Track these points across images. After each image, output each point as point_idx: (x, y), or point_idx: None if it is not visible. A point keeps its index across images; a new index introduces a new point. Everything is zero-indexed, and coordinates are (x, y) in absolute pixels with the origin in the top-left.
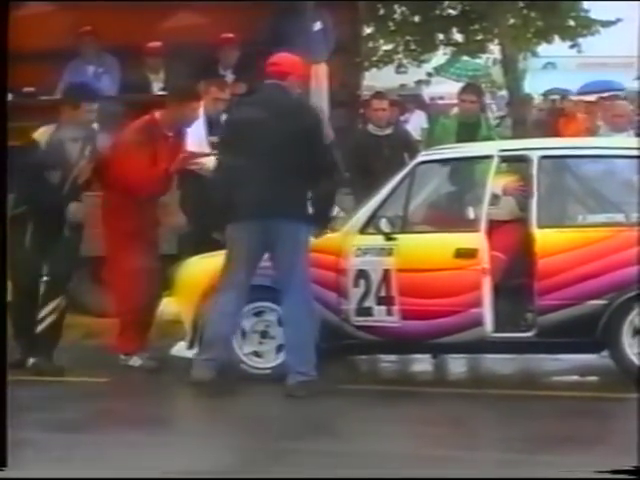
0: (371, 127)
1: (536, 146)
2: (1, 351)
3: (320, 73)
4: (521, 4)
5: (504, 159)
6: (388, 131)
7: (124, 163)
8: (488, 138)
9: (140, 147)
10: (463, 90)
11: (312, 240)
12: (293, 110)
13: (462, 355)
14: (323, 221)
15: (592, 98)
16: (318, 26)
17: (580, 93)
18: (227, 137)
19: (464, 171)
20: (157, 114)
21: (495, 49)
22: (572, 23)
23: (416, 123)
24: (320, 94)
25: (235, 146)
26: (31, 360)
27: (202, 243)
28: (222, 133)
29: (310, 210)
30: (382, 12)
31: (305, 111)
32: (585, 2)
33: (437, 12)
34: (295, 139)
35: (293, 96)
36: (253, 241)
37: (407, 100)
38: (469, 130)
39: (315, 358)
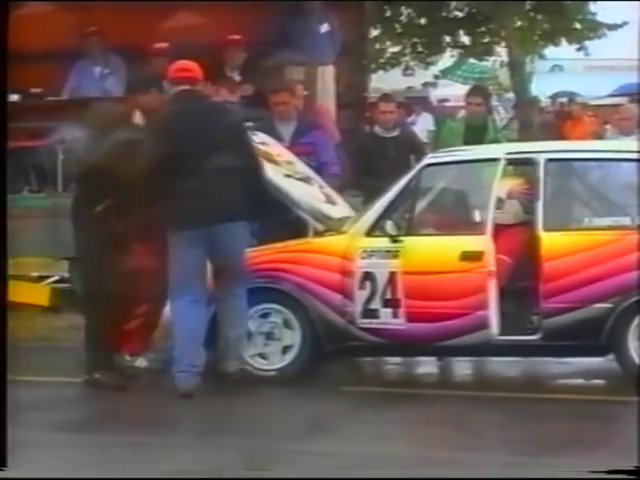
0: (378, 129)
1: (542, 149)
2: (1, 351)
3: (327, 75)
4: (528, 6)
5: (510, 162)
6: (395, 133)
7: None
8: (495, 141)
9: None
10: (470, 93)
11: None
12: (216, 114)
13: (467, 358)
14: (262, 215)
15: (603, 102)
16: (325, 28)
17: (612, 95)
18: (156, 146)
19: (471, 174)
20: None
21: (502, 52)
22: (579, 26)
23: (422, 125)
24: (327, 96)
25: (165, 155)
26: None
27: None
28: (150, 144)
29: (247, 207)
30: (389, 14)
31: (226, 113)
32: (592, 5)
33: (444, 14)
34: (221, 142)
35: (211, 100)
36: (196, 248)
37: (414, 102)
38: (476, 133)
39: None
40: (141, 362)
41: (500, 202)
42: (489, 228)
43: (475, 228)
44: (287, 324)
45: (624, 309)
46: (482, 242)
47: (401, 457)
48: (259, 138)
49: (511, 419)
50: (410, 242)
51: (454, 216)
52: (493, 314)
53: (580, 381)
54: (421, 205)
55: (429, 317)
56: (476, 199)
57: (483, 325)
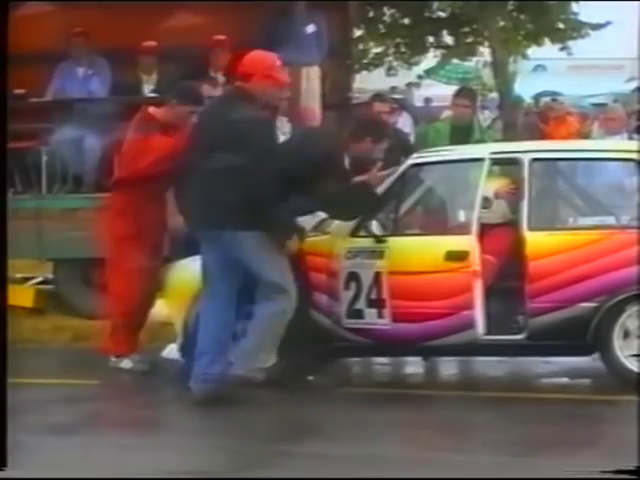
0: None
1: (527, 149)
2: (1, 352)
3: (312, 76)
4: (511, 7)
5: (495, 162)
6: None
7: (133, 154)
8: (481, 141)
9: (144, 135)
10: (457, 94)
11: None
12: (243, 120)
13: (453, 358)
14: (286, 229)
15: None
16: (311, 29)
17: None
18: (190, 142)
19: (456, 174)
20: (151, 110)
21: (485, 52)
22: (562, 26)
23: (403, 126)
24: (312, 97)
25: (193, 153)
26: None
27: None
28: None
29: (267, 218)
30: (372, 14)
31: (254, 122)
32: (575, 5)
33: (427, 15)
34: (243, 148)
35: (248, 104)
36: (214, 250)
37: (399, 103)
38: (462, 134)
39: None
40: (126, 363)
41: (487, 202)
42: (474, 228)
43: (460, 228)
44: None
45: (609, 308)
46: (467, 242)
47: (388, 458)
48: None
49: (497, 419)
50: (395, 242)
51: (439, 216)
52: (479, 314)
53: (565, 380)
54: (406, 205)
55: (414, 317)
56: (461, 199)
57: (469, 325)
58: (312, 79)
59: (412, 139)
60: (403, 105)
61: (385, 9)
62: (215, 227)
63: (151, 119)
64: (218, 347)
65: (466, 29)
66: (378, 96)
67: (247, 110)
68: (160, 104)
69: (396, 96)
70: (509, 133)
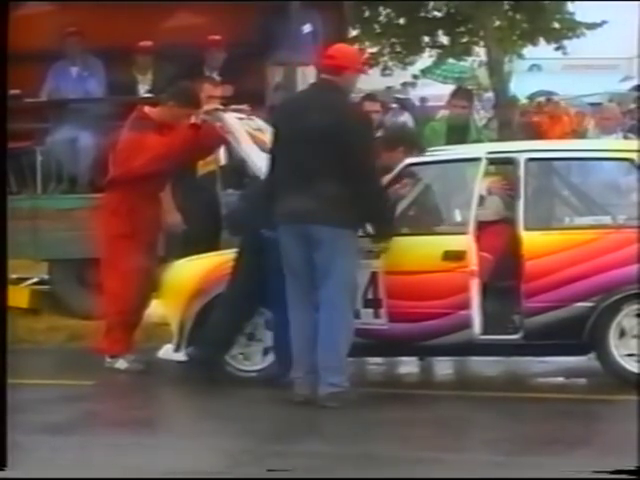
0: None
1: (523, 148)
2: (1, 353)
3: (308, 75)
4: (506, 6)
5: (492, 161)
6: (378, 133)
7: (127, 153)
8: (477, 141)
9: (139, 134)
10: (454, 95)
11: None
12: (340, 113)
13: (449, 357)
14: (380, 228)
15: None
16: (308, 28)
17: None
18: (274, 134)
19: (452, 173)
20: (146, 109)
21: (481, 51)
22: (557, 25)
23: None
24: None
25: (280, 145)
26: None
27: (194, 244)
28: (271, 130)
29: (359, 216)
30: (367, 14)
31: (352, 115)
32: (570, 4)
33: (422, 14)
34: (339, 142)
35: (342, 98)
36: (296, 247)
37: (398, 102)
38: (458, 133)
39: (347, 368)
40: (121, 364)
41: (480, 199)
42: (471, 227)
43: (457, 227)
44: (269, 325)
45: (605, 308)
46: (465, 241)
47: (384, 457)
48: (255, 124)
49: (493, 418)
50: (392, 242)
51: (436, 216)
52: (476, 314)
53: (562, 380)
54: (402, 205)
55: (411, 317)
56: (458, 199)
57: (466, 325)
58: (308, 79)
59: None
60: (404, 105)
61: (380, 9)
62: (313, 222)
63: (146, 118)
64: (309, 346)
65: (461, 29)
66: (369, 96)
67: (350, 103)
68: (155, 104)
69: (399, 96)
70: (504, 132)
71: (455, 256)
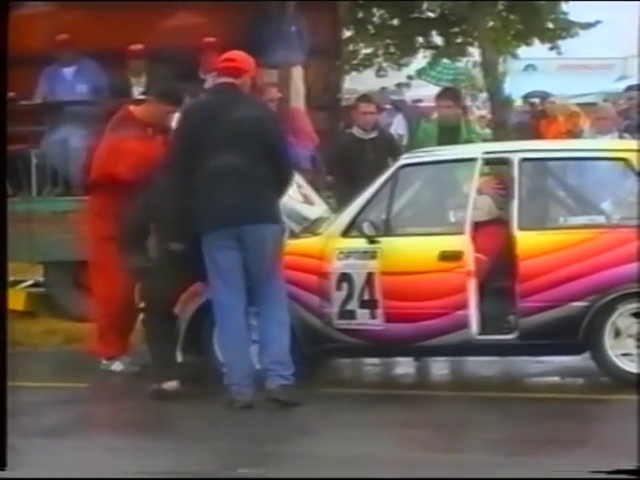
0: (356, 130)
1: (517, 148)
2: (1, 353)
3: (296, 76)
4: (500, 7)
5: (487, 161)
6: (373, 135)
7: (108, 155)
8: (469, 141)
9: (121, 137)
10: (440, 95)
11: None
12: (251, 112)
13: (445, 358)
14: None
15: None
16: (293, 29)
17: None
18: (183, 143)
19: (447, 174)
20: (131, 107)
21: (475, 52)
22: (551, 25)
23: (396, 127)
24: (297, 97)
25: (197, 151)
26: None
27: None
28: (175, 139)
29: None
30: (361, 15)
31: (262, 112)
32: (564, 4)
33: (416, 15)
34: (255, 142)
35: (248, 98)
36: (228, 250)
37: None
38: (449, 134)
39: (292, 365)
40: (117, 366)
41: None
42: (468, 227)
43: (453, 228)
44: (258, 325)
45: (600, 307)
46: (461, 242)
47: (381, 458)
48: None
49: (489, 419)
50: (388, 243)
51: (431, 216)
52: (473, 314)
53: (557, 379)
54: (398, 205)
55: (408, 317)
56: (453, 199)
57: (462, 325)
58: (296, 79)
59: (404, 140)
60: (398, 106)
61: (374, 10)
62: (246, 222)
63: (130, 118)
64: (244, 351)
65: (456, 29)
66: (364, 97)
67: (257, 101)
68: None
69: (394, 97)
70: (500, 133)
71: (452, 256)
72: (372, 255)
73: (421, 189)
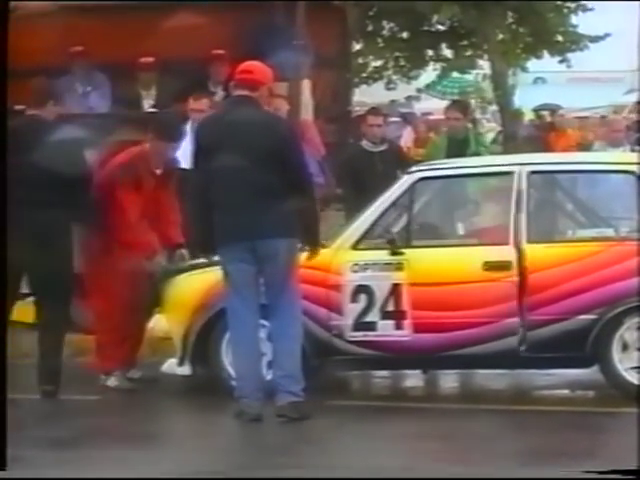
0: (365, 143)
1: (525, 161)
2: (1, 354)
3: (305, 88)
4: (510, 20)
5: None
6: (382, 147)
7: (110, 195)
8: (477, 154)
9: (125, 183)
10: (448, 107)
11: (304, 257)
12: (268, 126)
13: (453, 370)
14: (311, 237)
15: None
16: (299, 41)
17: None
18: (200, 156)
19: (461, 186)
20: (133, 150)
21: (485, 65)
22: (561, 38)
23: (405, 140)
24: (306, 109)
25: (209, 165)
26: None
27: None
28: (192, 153)
29: (296, 227)
30: (371, 28)
31: (279, 126)
32: (574, 17)
33: (426, 28)
34: (271, 156)
35: (265, 111)
36: (244, 261)
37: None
38: (458, 146)
39: (303, 380)
40: (112, 382)
41: (478, 207)
42: (511, 238)
43: (497, 238)
44: (271, 338)
45: (608, 320)
46: (506, 252)
47: (390, 470)
48: None
49: (497, 431)
50: (415, 254)
51: (469, 228)
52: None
53: (566, 392)
54: (418, 218)
55: (437, 328)
56: (471, 210)
57: (506, 334)
58: (305, 92)
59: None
60: (407, 119)
61: (384, 22)
62: (261, 237)
63: (134, 164)
64: (256, 364)
65: (465, 42)
66: (372, 109)
67: (275, 115)
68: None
69: (403, 110)
70: (509, 146)
71: (497, 267)
72: (397, 267)
73: (437, 201)
